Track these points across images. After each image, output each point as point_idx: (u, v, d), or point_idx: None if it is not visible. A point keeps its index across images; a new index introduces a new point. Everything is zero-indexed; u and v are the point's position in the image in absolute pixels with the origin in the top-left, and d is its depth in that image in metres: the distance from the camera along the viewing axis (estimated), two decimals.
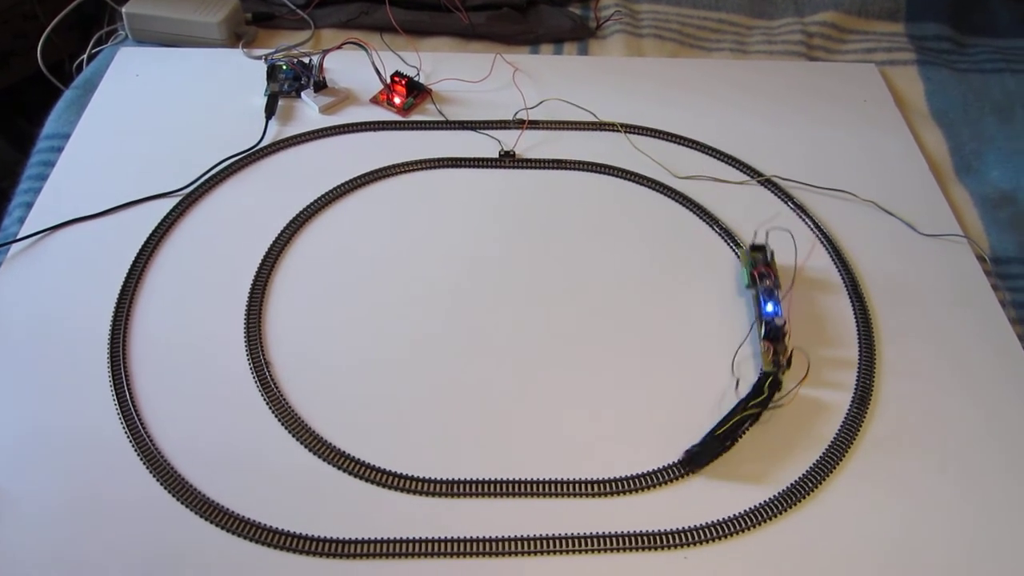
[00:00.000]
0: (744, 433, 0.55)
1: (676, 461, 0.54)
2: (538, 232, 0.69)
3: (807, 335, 0.61)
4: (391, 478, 0.52)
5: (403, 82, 0.80)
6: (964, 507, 0.52)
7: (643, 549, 0.50)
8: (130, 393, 0.56)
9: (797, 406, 0.57)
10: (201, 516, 0.50)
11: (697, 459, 0.53)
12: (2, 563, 0.48)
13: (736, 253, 0.68)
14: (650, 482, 0.53)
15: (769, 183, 0.75)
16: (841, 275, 0.66)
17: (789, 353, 0.57)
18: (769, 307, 0.58)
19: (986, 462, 0.55)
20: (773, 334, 0.57)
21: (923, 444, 0.56)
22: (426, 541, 0.49)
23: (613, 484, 0.53)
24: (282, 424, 0.55)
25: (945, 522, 0.52)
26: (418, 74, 0.83)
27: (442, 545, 0.49)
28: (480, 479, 0.52)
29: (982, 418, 0.57)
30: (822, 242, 0.69)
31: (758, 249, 0.62)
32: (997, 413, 0.58)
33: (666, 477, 0.53)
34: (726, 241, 0.69)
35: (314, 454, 0.54)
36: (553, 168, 0.75)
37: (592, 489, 0.52)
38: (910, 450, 0.55)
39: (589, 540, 0.50)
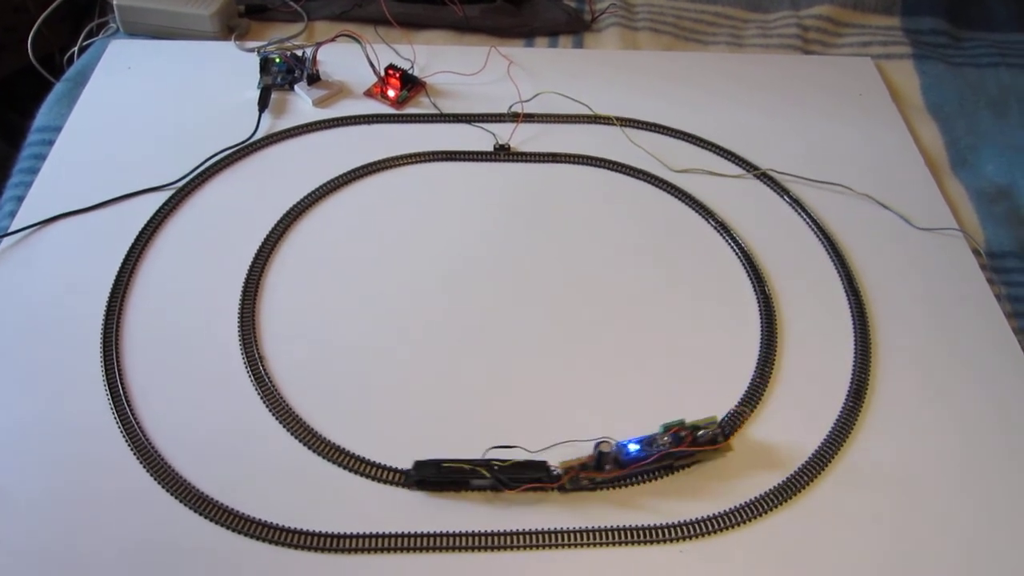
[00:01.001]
0: (480, 489, 0.51)
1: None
2: (533, 226, 0.69)
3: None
4: (386, 472, 0.52)
5: (397, 75, 0.79)
6: (962, 500, 0.52)
7: (638, 543, 0.50)
8: (123, 387, 0.56)
9: (797, 399, 0.57)
10: (194, 510, 0.50)
11: (410, 473, 0.51)
12: None
13: (731, 246, 0.68)
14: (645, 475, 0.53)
15: (765, 177, 0.74)
16: (837, 269, 0.66)
17: (584, 481, 0.51)
18: (632, 447, 0.51)
19: (983, 455, 0.55)
20: (598, 457, 0.51)
21: (919, 437, 0.56)
22: (420, 536, 0.49)
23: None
24: (276, 418, 0.55)
25: (943, 515, 0.52)
26: (412, 67, 0.82)
27: (436, 540, 0.49)
28: None
29: (978, 412, 0.57)
30: (818, 236, 0.69)
31: (717, 425, 0.52)
32: (994, 407, 0.58)
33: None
34: (721, 235, 0.69)
35: (308, 448, 0.53)
36: (548, 161, 0.75)
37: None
38: (907, 442, 0.55)
39: (584, 534, 0.50)
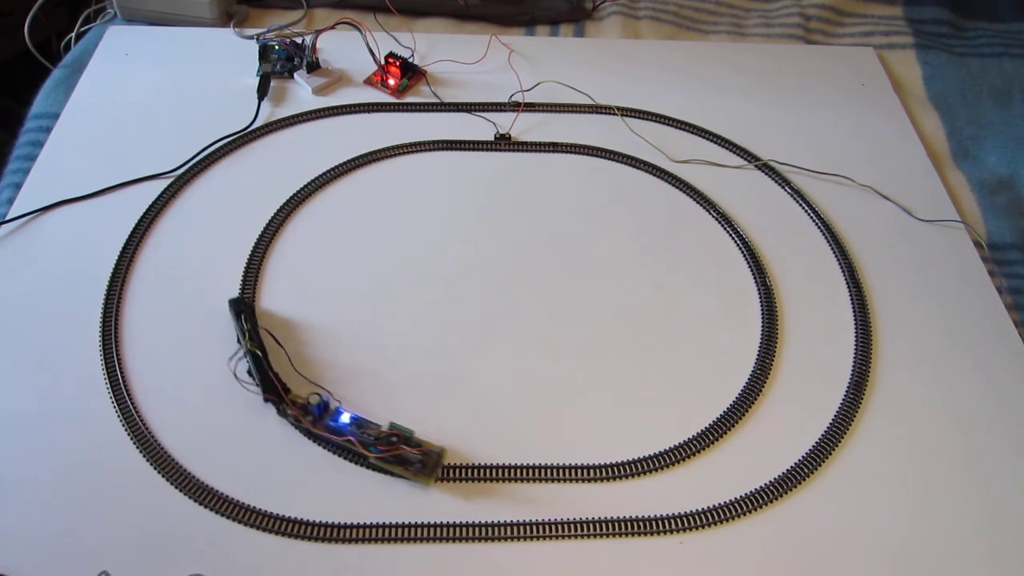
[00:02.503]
0: (249, 372, 0.55)
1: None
2: (533, 216, 0.69)
3: None
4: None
5: (397, 63, 0.79)
6: (963, 493, 0.53)
7: (638, 534, 0.50)
8: (122, 375, 0.56)
9: (797, 390, 0.57)
10: (193, 499, 0.50)
11: (231, 299, 0.58)
12: None
13: (732, 237, 0.68)
14: (645, 467, 0.53)
15: (766, 167, 0.74)
16: (838, 260, 0.66)
17: (289, 415, 0.52)
18: (344, 417, 0.52)
19: (984, 448, 0.55)
20: (317, 405, 0.52)
21: (920, 428, 0.56)
22: (420, 526, 0.49)
23: (608, 469, 0.52)
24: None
25: (943, 505, 0.52)
26: (412, 55, 0.82)
27: (436, 530, 0.49)
28: (475, 464, 0.52)
29: (979, 405, 0.57)
30: (819, 227, 0.69)
31: (433, 456, 0.52)
32: (994, 400, 0.58)
33: (661, 463, 0.53)
34: (722, 226, 0.69)
35: (308, 438, 0.53)
36: (549, 151, 0.75)
37: (588, 474, 0.52)
38: (907, 434, 0.55)
39: (585, 525, 0.50)
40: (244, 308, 0.57)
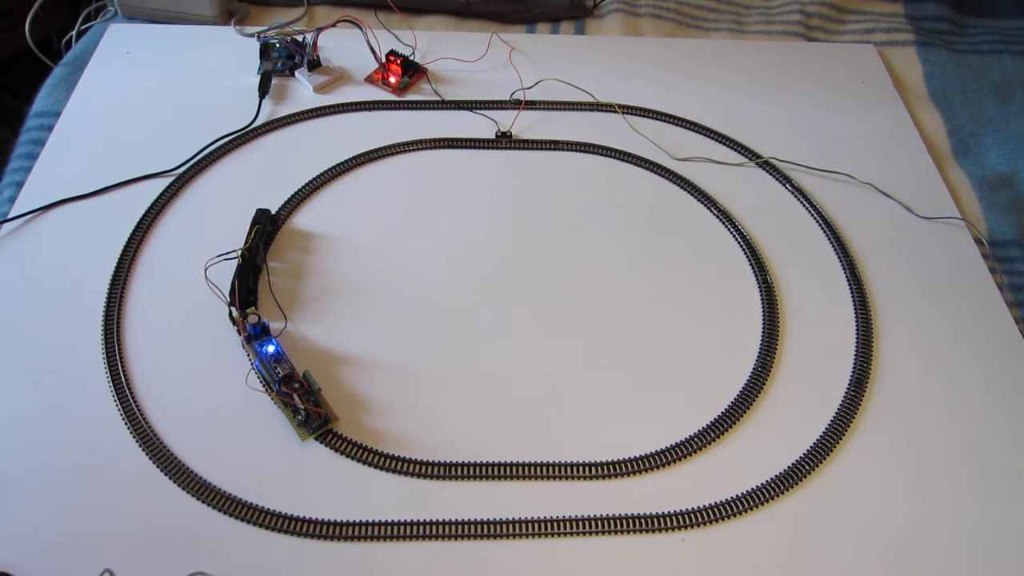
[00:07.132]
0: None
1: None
2: (534, 214, 0.69)
3: None
4: (388, 460, 0.52)
5: (398, 61, 0.79)
6: (964, 490, 0.53)
7: (640, 531, 0.50)
8: (125, 374, 0.56)
9: (799, 388, 0.57)
10: (196, 497, 0.50)
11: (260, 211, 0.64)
12: None
13: (733, 235, 0.68)
14: (647, 465, 0.53)
15: (767, 165, 0.74)
16: (839, 257, 0.66)
17: (235, 323, 0.58)
18: (270, 348, 0.56)
19: (985, 443, 0.55)
20: (256, 325, 0.56)
21: (921, 425, 0.56)
22: (423, 524, 0.50)
23: (610, 467, 0.53)
24: (278, 405, 0.55)
25: (945, 502, 0.52)
26: (413, 53, 0.82)
27: (440, 528, 0.49)
28: (477, 462, 0.52)
29: (980, 402, 0.57)
30: (820, 224, 0.69)
31: (321, 416, 0.54)
32: (995, 396, 0.58)
33: (663, 460, 0.53)
34: (723, 223, 0.69)
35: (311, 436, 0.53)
36: (550, 149, 0.75)
37: (589, 472, 0.53)
38: (909, 431, 0.55)
39: (587, 523, 0.50)
40: (263, 222, 0.62)
